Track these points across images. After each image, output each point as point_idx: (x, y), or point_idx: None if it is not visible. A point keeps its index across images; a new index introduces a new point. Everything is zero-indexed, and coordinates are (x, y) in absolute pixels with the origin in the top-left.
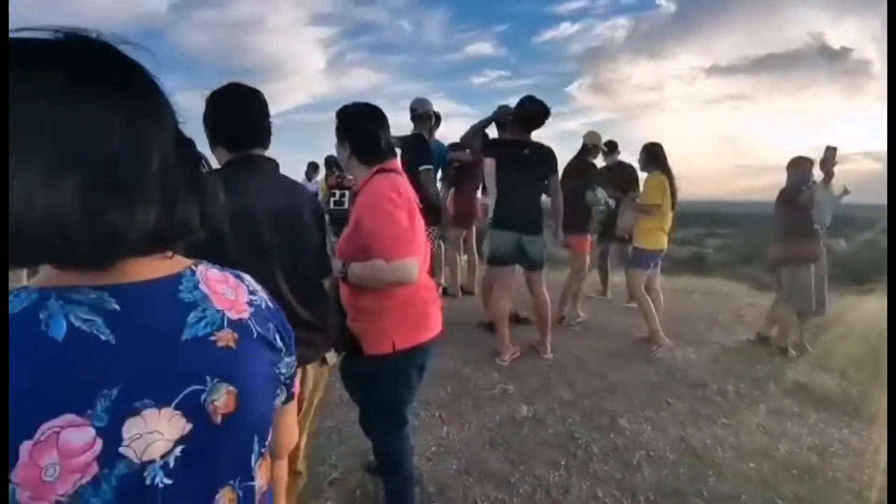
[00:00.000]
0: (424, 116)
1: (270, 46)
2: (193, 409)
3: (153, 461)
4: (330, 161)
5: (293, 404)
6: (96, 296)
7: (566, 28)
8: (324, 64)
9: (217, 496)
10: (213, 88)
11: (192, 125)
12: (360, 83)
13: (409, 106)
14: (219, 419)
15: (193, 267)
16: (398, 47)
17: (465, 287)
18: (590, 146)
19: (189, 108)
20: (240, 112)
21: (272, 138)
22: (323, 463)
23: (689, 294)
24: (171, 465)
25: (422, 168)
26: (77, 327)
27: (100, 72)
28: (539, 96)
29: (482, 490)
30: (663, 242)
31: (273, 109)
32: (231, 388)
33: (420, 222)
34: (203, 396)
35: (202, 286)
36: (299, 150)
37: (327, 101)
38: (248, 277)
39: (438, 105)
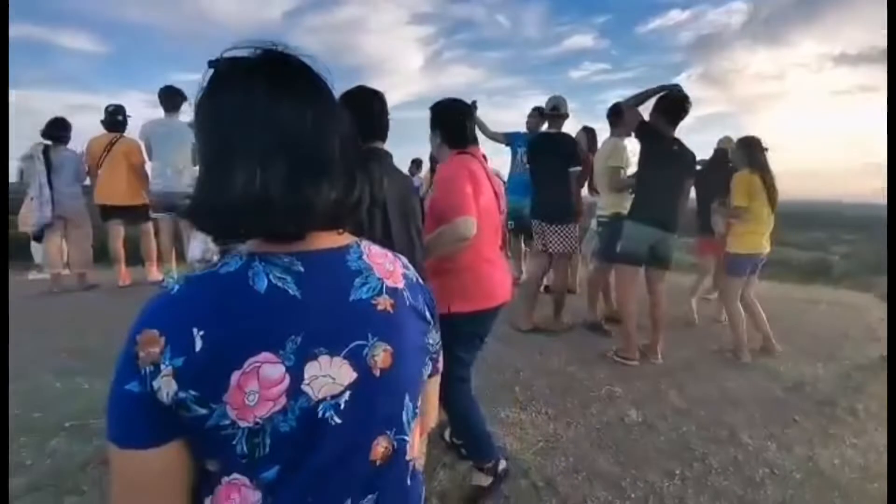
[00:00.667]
0: (563, 116)
1: (372, 47)
2: (358, 361)
3: (325, 399)
4: (434, 159)
5: (437, 381)
6: (288, 260)
7: (674, 16)
8: (422, 62)
9: (375, 442)
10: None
11: None
12: (457, 80)
13: (501, 101)
14: (378, 373)
15: (358, 242)
16: (495, 43)
17: (567, 286)
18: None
19: None
20: (367, 110)
21: None
22: (436, 447)
23: (815, 304)
24: (342, 406)
25: (571, 169)
26: (274, 283)
27: (292, 77)
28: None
29: (591, 490)
30: (759, 246)
31: None
32: (388, 346)
33: (487, 199)
34: (365, 351)
35: (365, 257)
36: (396, 146)
37: (424, 99)
38: (401, 256)
39: (533, 100)
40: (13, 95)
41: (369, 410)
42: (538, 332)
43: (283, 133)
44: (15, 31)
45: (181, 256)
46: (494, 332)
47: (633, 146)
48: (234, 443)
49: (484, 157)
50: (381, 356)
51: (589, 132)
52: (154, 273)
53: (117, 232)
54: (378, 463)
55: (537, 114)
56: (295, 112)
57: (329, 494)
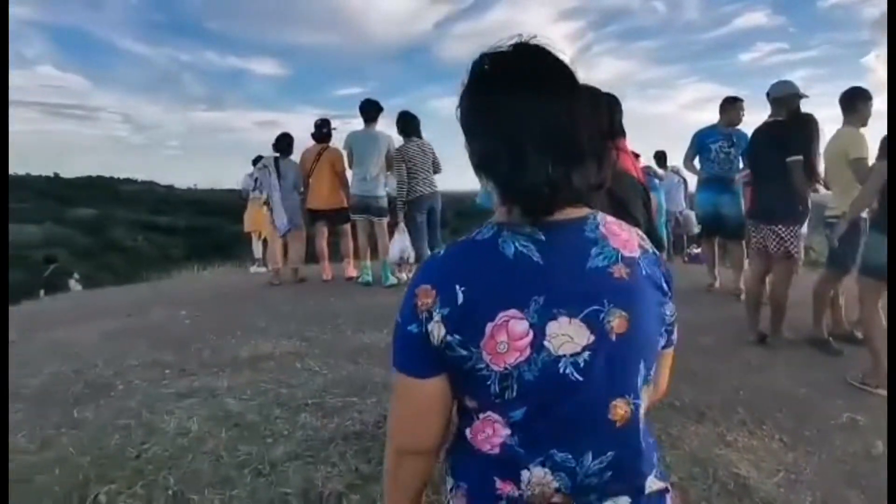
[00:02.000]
0: (782, 100)
1: None
2: (595, 324)
3: (564, 356)
4: None
5: (670, 353)
6: (531, 230)
7: None
8: (570, 58)
9: (613, 403)
10: None
11: (449, 129)
12: (606, 74)
13: (656, 94)
14: (614, 337)
15: (595, 214)
16: (650, 31)
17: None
18: None
19: (449, 114)
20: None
21: None
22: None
23: None
24: (581, 365)
25: (789, 159)
26: (520, 250)
27: (552, 72)
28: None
29: None
30: None
31: None
32: (623, 312)
33: None
34: (602, 316)
35: (601, 228)
36: None
37: None
38: (636, 229)
39: (695, 89)
40: (218, 117)
41: (607, 371)
42: (753, 346)
43: (547, 125)
44: (220, 62)
45: (374, 253)
46: (700, 343)
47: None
48: (488, 383)
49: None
50: (616, 322)
51: (809, 119)
52: (350, 269)
53: (322, 233)
54: (617, 424)
55: (738, 106)
56: (557, 104)
57: (571, 443)
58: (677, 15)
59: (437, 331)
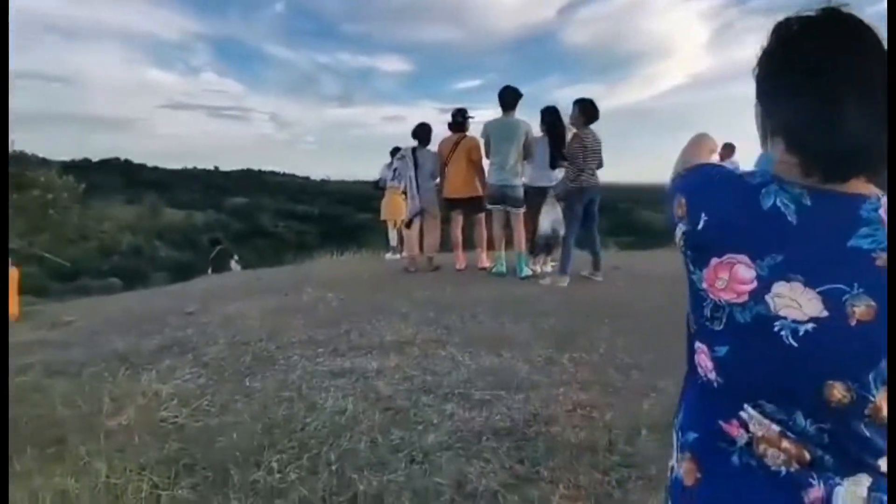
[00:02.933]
0: None
1: (649, 29)
2: (833, 302)
3: (784, 319)
4: None
5: None
6: (800, 192)
7: None
8: (707, 37)
9: (829, 382)
10: (590, 84)
11: None
12: (751, 53)
13: None
14: (853, 322)
15: (881, 196)
16: (800, 2)
17: None
18: None
19: (568, 105)
20: None
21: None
22: None
23: None
24: (800, 332)
25: None
26: (777, 205)
27: (855, 33)
28: None
29: None
30: None
31: (647, 92)
32: (873, 303)
33: None
34: (845, 297)
35: (881, 211)
36: (676, 130)
37: (705, 78)
38: None
39: None
40: (349, 113)
41: (829, 350)
42: None
43: (863, 85)
44: (352, 61)
45: (509, 244)
46: None
47: None
48: (703, 303)
49: None
50: (861, 308)
51: None
52: (483, 259)
53: (457, 222)
54: (832, 405)
55: None
56: (872, 66)
57: (779, 400)
58: None
59: (678, 234)
